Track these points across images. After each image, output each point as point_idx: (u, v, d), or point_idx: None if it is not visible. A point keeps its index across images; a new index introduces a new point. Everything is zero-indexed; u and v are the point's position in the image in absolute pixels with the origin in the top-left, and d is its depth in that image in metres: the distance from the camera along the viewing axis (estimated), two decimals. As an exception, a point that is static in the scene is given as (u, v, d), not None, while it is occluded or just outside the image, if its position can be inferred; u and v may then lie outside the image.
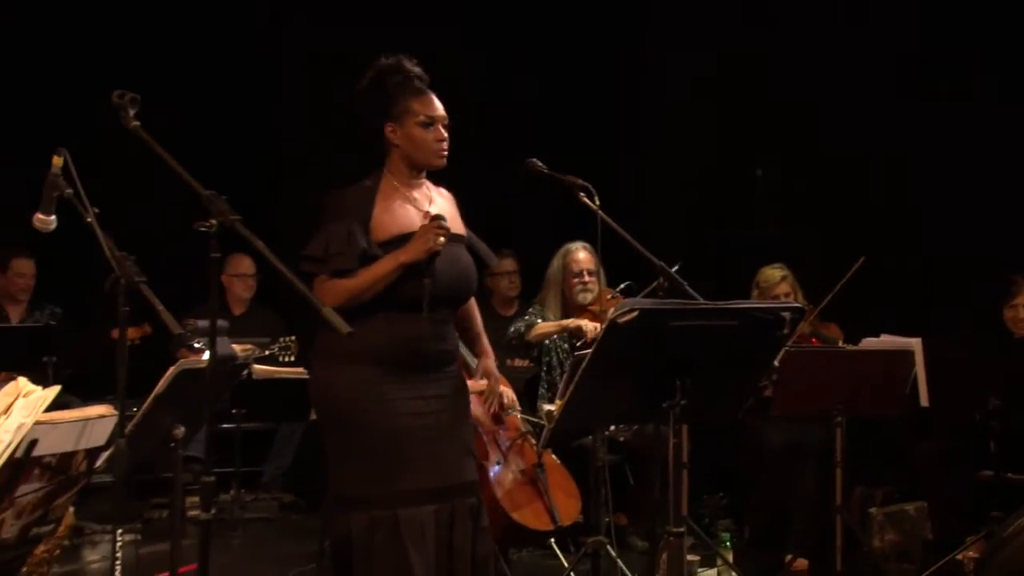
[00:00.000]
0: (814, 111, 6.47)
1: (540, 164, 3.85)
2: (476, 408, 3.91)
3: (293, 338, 6.10)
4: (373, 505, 3.27)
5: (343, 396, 3.32)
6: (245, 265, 6.83)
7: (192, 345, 3.28)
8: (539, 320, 5.45)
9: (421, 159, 3.41)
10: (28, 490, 2.83)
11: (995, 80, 6.09)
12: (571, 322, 5.29)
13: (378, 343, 3.29)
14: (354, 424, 3.31)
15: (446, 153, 3.42)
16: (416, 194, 3.43)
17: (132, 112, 3.02)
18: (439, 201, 3.52)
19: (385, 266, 3.28)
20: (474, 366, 4.06)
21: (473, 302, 3.71)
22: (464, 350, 3.88)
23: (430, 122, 3.38)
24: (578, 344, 5.13)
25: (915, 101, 6.28)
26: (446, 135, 3.41)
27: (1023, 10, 6.00)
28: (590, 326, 5.17)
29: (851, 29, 6.45)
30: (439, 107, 3.42)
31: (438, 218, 3.31)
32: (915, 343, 5.11)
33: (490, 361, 3.80)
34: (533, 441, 4.93)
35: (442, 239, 3.27)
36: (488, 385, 3.85)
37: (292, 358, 6.02)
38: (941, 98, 6.23)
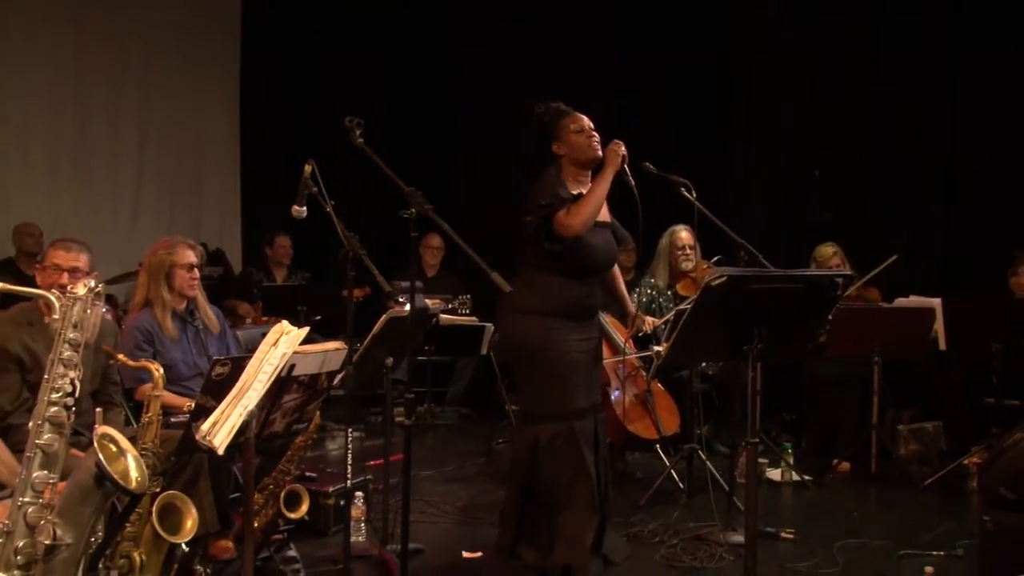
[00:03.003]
0: (865, 119, 6.18)
1: (652, 167, 3.74)
2: (605, 351, 3.87)
3: (468, 296, 6.14)
4: (556, 419, 3.24)
5: (533, 339, 3.26)
6: (435, 240, 6.91)
7: (398, 300, 3.30)
8: (648, 290, 5.38)
9: (581, 155, 3.33)
10: (289, 399, 2.94)
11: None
12: (641, 321, 5.18)
13: (557, 300, 3.26)
14: (541, 359, 3.26)
15: (599, 145, 3.33)
16: (583, 189, 3.35)
17: (358, 132, 3.07)
18: None
19: (601, 180, 3.25)
20: (615, 339, 4.29)
21: (617, 269, 3.67)
22: (606, 326, 3.92)
23: (580, 129, 3.33)
24: (679, 306, 5.04)
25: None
26: (595, 133, 3.34)
27: None
28: (649, 320, 5.05)
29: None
30: (584, 117, 3.36)
31: (614, 141, 3.30)
32: (936, 302, 4.97)
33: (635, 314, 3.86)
34: (644, 374, 4.90)
35: (623, 150, 3.27)
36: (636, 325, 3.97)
37: (468, 310, 6.05)
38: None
